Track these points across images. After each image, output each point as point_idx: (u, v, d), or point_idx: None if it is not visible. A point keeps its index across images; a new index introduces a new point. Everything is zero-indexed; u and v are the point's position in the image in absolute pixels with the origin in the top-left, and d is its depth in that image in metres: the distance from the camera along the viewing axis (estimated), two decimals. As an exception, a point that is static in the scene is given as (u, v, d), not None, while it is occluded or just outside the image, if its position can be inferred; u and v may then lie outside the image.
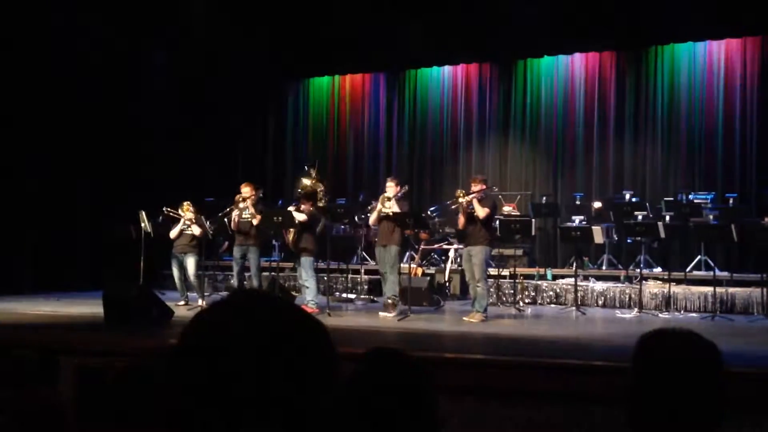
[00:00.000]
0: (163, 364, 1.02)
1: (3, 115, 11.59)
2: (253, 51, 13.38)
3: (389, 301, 9.05)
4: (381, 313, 9.15)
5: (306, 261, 9.37)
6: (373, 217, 9.46)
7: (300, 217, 9.38)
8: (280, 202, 12.57)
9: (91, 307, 9.02)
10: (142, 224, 11.25)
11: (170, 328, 7.66)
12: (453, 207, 9.22)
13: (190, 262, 10.23)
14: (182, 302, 10.08)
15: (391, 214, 9.12)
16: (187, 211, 10.32)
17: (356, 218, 11.33)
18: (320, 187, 10.74)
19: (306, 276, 9.35)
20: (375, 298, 10.89)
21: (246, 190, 9.83)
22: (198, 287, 10.17)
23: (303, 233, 9.41)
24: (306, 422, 0.98)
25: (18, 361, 3.48)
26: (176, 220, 10.50)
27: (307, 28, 13.02)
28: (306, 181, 11.50)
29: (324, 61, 14.08)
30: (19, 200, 11.89)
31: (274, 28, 13.08)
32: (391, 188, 9.29)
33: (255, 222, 9.69)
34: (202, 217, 10.26)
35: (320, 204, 10.27)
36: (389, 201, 9.15)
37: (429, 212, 11.87)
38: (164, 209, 10.69)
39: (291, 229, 9.51)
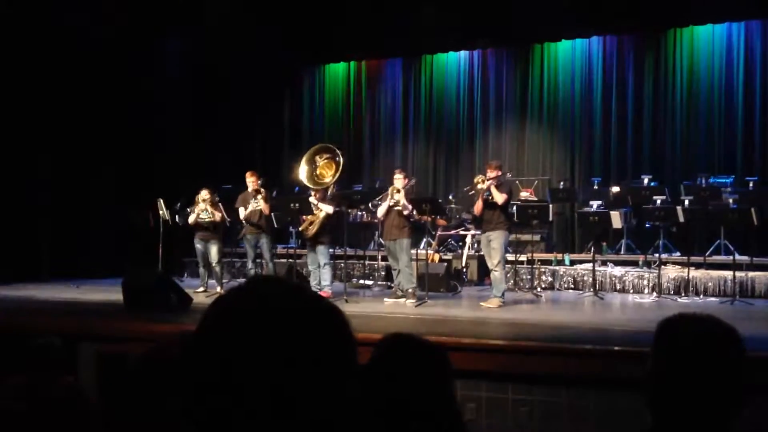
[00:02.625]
0: (182, 350, 1.03)
1: (20, 104, 11.67)
2: (269, 38, 13.36)
3: (410, 290, 9.00)
4: (386, 299, 9.18)
5: (324, 249, 9.41)
6: (382, 210, 9.18)
7: (328, 209, 9.39)
8: (296, 188, 12.56)
9: (110, 294, 9.11)
10: (160, 212, 11.33)
11: (189, 314, 7.72)
12: (471, 193, 9.17)
13: (214, 249, 10.24)
14: (201, 289, 10.17)
15: (401, 206, 8.93)
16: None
17: (371, 205, 11.28)
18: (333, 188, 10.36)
19: (323, 263, 9.40)
20: (392, 284, 10.89)
21: (251, 180, 9.92)
22: (219, 274, 10.25)
23: (325, 223, 9.42)
24: (323, 407, 0.98)
25: (42, 348, 3.51)
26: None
27: (324, 14, 12.99)
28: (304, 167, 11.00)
29: (340, 47, 14.05)
30: (37, 188, 11.99)
31: (290, 15, 13.06)
32: (399, 180, 9.12)
33: (266, 211, 9.78)
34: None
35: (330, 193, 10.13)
36: (398, 193, 9.03)
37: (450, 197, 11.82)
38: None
39: (310, 218, 9.50)
